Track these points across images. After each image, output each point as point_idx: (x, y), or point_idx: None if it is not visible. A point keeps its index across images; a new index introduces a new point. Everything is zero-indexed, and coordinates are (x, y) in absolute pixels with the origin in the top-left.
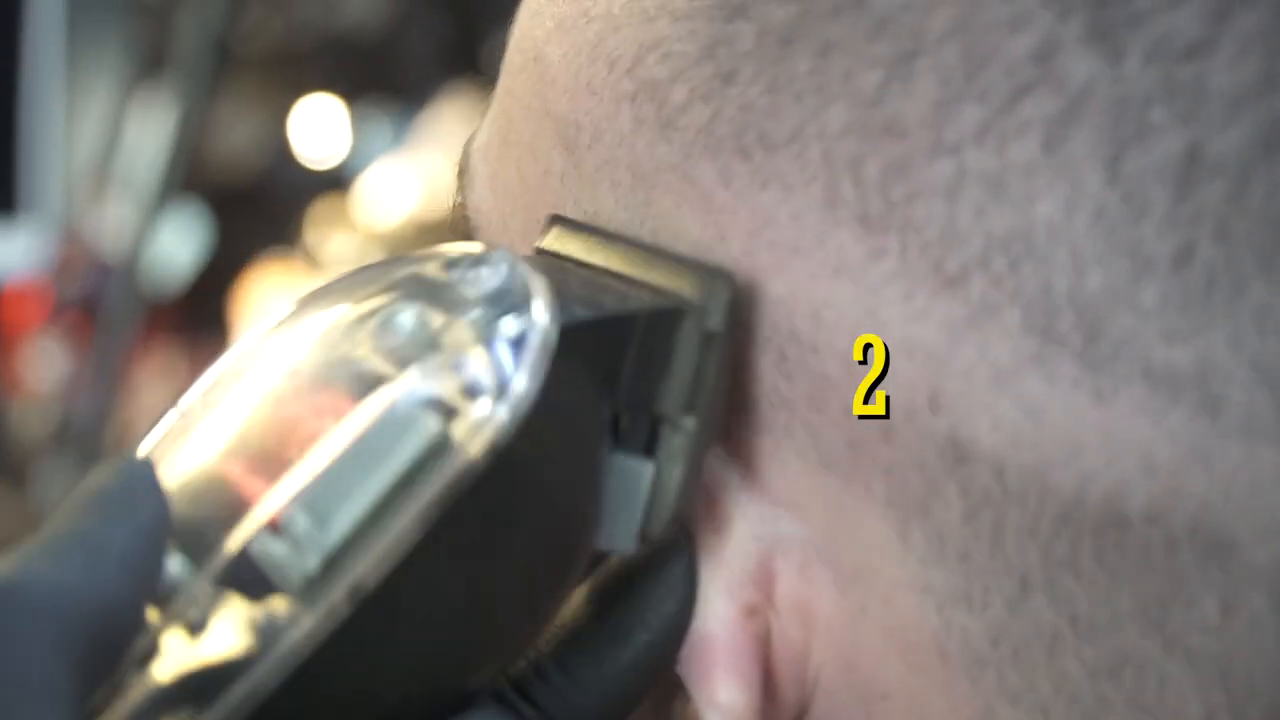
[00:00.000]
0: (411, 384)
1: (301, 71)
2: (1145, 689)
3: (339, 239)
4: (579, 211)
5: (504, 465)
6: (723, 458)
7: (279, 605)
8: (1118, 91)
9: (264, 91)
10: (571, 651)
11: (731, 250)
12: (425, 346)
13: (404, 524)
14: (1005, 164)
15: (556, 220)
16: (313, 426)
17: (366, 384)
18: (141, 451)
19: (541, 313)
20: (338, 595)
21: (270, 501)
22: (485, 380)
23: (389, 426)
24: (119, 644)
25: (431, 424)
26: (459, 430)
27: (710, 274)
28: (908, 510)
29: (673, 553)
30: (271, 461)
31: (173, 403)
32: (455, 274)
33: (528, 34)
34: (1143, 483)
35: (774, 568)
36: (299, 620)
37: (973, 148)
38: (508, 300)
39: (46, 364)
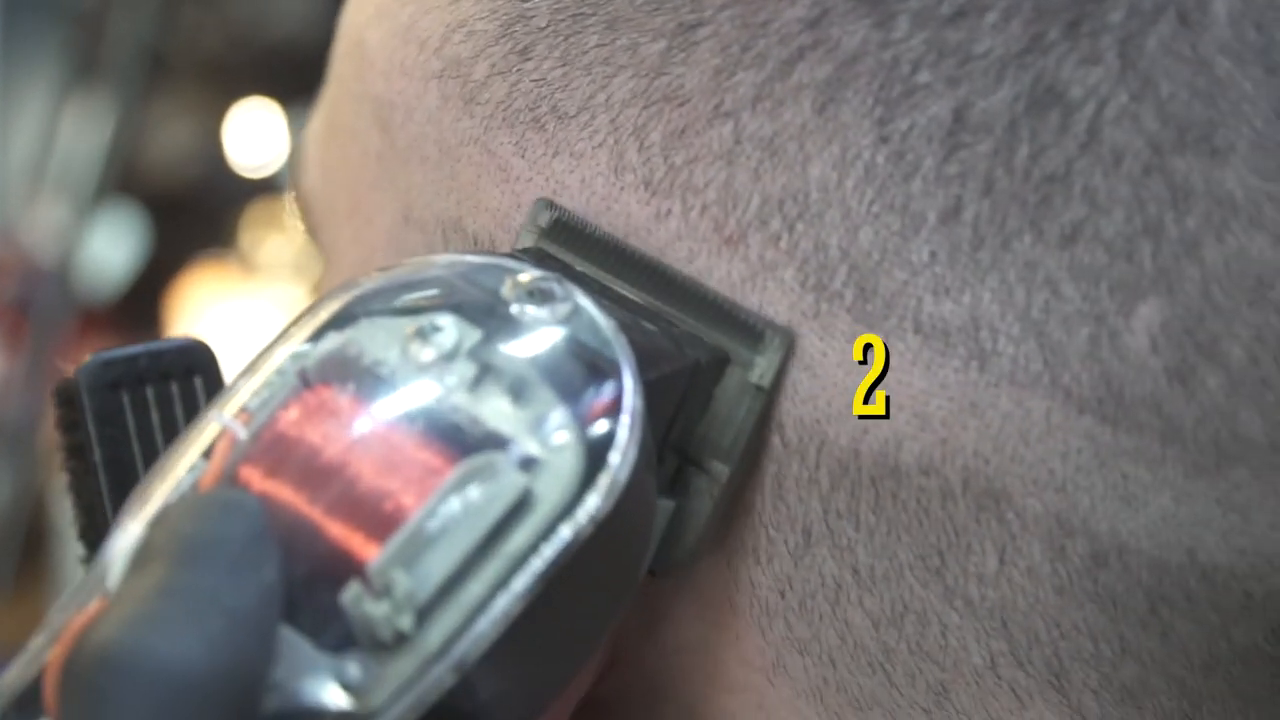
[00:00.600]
0: (501, 442)
1: (237, 77)
2: (927, 637)
3: (274, 243)
4: (394, 188)
5: (596, 534)
6: None
7: (373, 665)
8: (887, 55)
9: (200, 97)
10: None
11: (525, 218)
12: (508, 394)
13: (508, 602)
14: (780, 127)
15: (551, 209)
16: (394, 476)
17: (451, 434)
18: (187, 460)
19: (632, 389)
20: (438, 664)
21: (368, 557)
22: (575, 445)
23: (487, 487)
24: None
25: (520, 483)
26: (547, 489)
27: (766, 331)
28: None
29: None
30: (354, 509)
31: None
32: (520, 305)
33: (352, 20)
34: (916, 434)
35: None
36: (403, 686)
37: (749, 112)
38: (587, 354)
39: None
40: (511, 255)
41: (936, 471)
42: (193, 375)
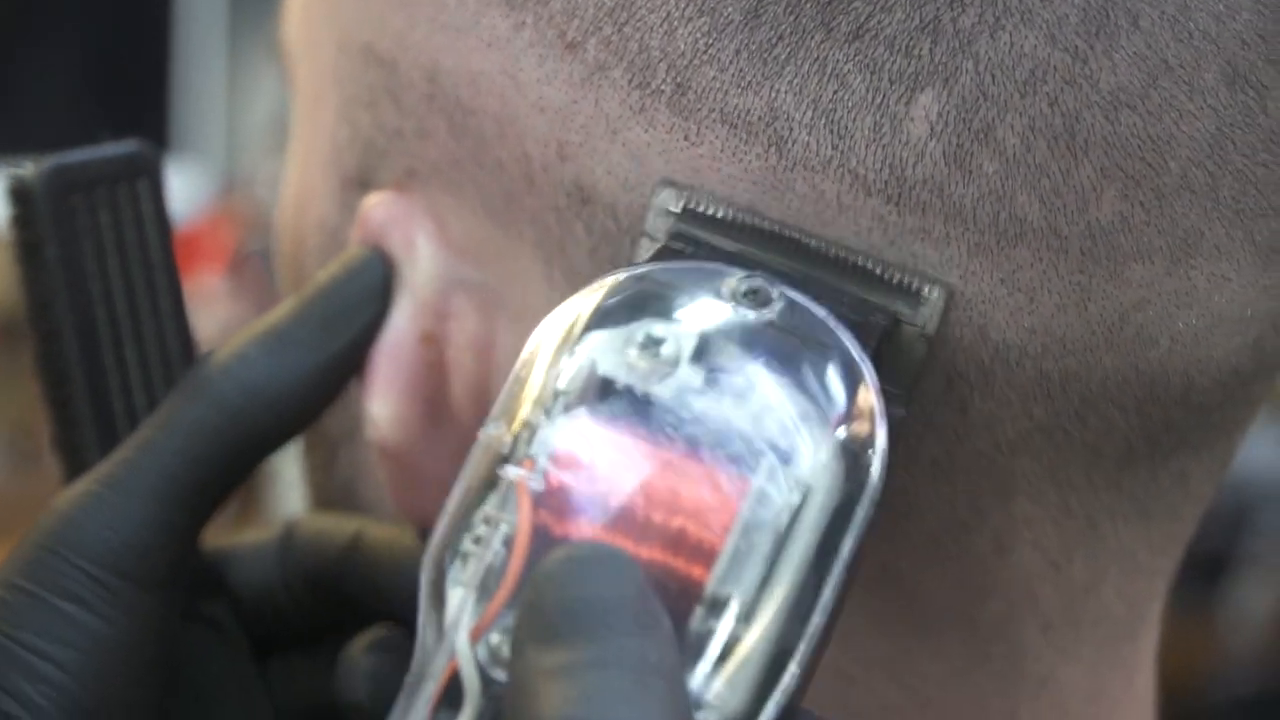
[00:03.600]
0: (772, 442)
1: None
2: None
3: None
4: (332, 22)
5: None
6: (418, 211)
7: (718, 677)
8: None
9: None
10: (275, 340)
11: (417, 35)
12: (749, 396)
13: (830, 596)
14: None
15: (677, 192)
16: (688, 498)
17: (716, 443)
18: (482, 513)
19: (870, 374)
20: (789, 670)
21: (700, 580)
22: (834, 435)
23: (773, 492)
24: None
25: (802, 480)
26: (818, 481)
27: (924, 286)
28: (549, 250)
29: (375, 267)
30: (667, 538)
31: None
32: (737, 308)
33: None
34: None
35: (453, 306)
36: (758, 687)
37: None
38: (814, 346)
39: (215, 311)
40: (686, 253)
41: None
42: (137, 179)
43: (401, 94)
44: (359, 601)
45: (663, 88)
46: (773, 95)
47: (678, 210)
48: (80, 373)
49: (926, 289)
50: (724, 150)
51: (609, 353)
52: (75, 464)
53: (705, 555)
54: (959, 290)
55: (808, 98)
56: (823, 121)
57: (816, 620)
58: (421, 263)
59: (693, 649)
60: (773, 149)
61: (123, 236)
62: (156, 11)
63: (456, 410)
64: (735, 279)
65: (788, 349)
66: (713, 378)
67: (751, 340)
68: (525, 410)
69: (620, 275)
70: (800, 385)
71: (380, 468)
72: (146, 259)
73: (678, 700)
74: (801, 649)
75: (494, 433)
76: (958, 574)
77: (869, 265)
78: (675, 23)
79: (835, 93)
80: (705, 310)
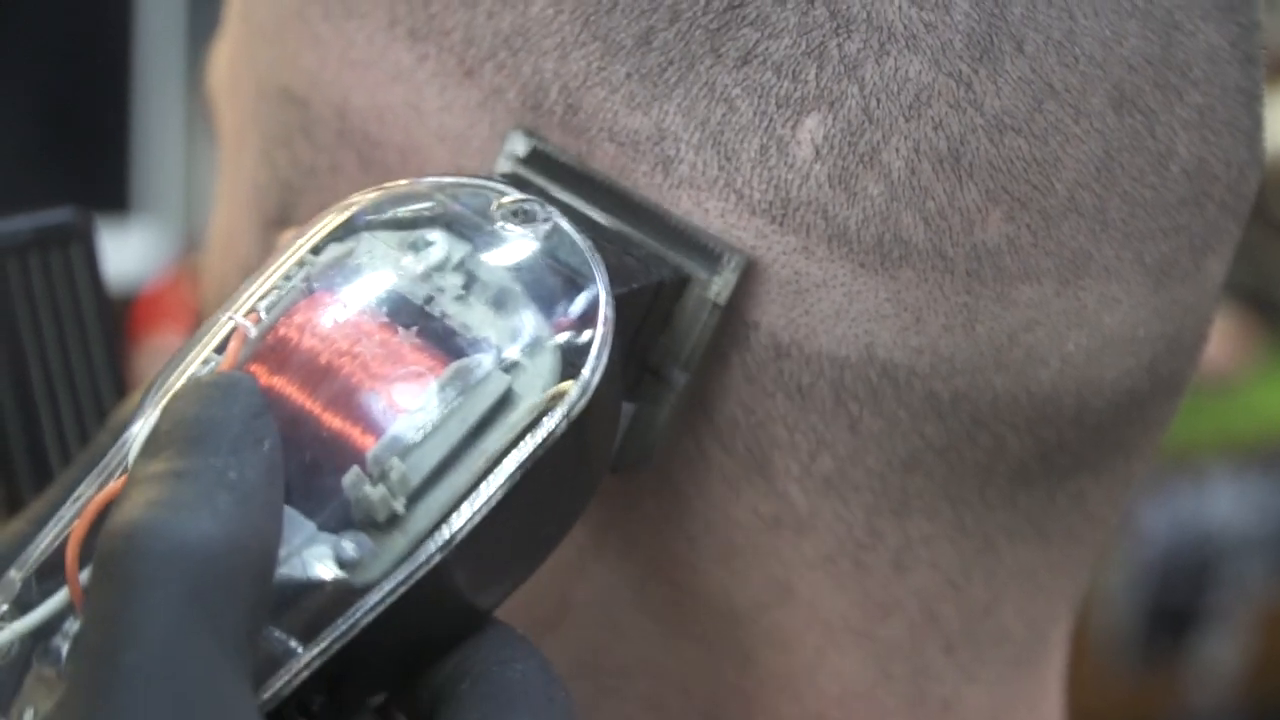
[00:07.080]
0: (490, 343)
1: None
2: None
3: None
4: (251, 67)
5: (570, 430)
6: None
7: (367, 543)
8: None
9: None
10: None
11: (327, 74)
12: (492, 303)
13: (494, 487)
14: None
15: (527, 139)
16: (389, 375)
17: (442, 338)
18: (202, 354)
19: (605, 302)
20: (430, 543)
21: (367, 446)
22: (552, 350)
23: (473, 387)
24: (268, 584)
25: (503, 383)
26: (526, 390)
27: (724, 253)
28: None
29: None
30: (353, 404)
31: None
32: (504, 224)
33: None
34: None
35: None
36: (395, 561)
37: None
38: (565, 269)
39: None
40: (495, 178)
41: None
42: (70, 244)
43: (314, 131)
44: None
45: (554, 108)
46: (661, 116)
47: (523, 154)
48: (17, 425)
49: (726, 256)
50: (611, 168)
51: (377, 248)
52: (13, 511)
53: (384, 427)
54: (844, 309)
55: (696, 119)
56: (710, 143)
57: (472, 510)
58: None
59: (346, 510)
60: (659, 167)
61: (56, 297)
62: (115, 72)
63: None
64: (509, 198)
65: (539, 268)
66: (468, 285)
67: (507, 255)
68: (273, 276)
69: (402, 182)
70: (539, 300)
71: None
72: (80, 317)
73: (246, 516)
74: (449, 534)
75: (243, 288)
76: (856, 593)
77: (678, 225)
78: (569, 47)
79: (723, 115)
80: (473, 223)
